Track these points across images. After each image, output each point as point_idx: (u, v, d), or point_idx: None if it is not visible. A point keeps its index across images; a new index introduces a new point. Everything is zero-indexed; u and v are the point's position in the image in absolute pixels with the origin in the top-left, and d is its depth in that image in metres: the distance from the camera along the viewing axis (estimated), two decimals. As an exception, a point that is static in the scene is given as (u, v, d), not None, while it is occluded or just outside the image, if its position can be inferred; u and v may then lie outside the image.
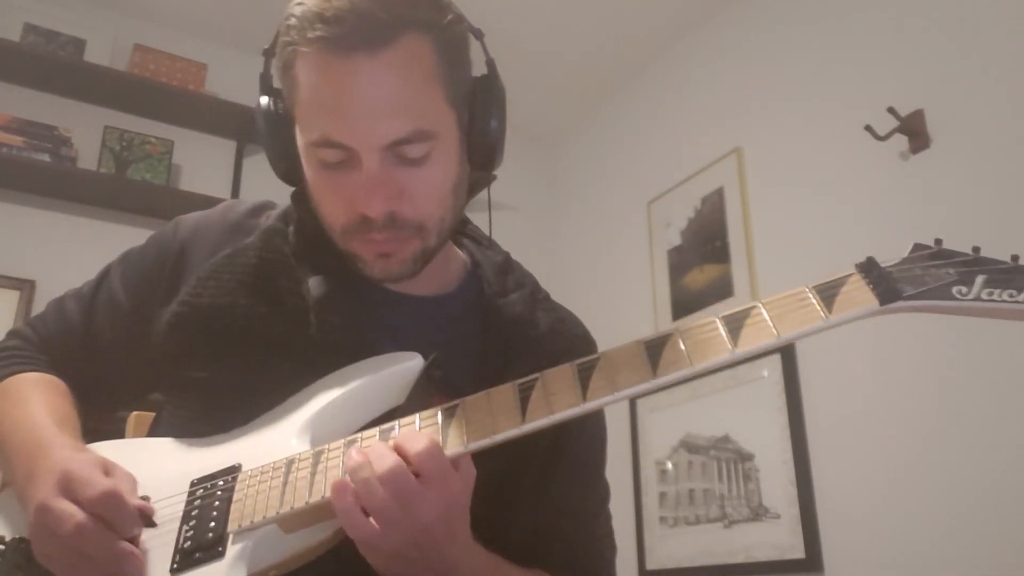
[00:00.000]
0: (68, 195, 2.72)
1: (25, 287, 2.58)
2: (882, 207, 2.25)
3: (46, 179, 2.66)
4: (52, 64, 2.72)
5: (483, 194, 3.68)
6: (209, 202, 1.05)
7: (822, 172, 2.47)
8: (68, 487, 0.73)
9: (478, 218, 1.10)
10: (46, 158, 2.64)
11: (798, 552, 2.27)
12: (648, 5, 2.96)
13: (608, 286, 3.22)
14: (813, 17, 2.63)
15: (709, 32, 3.02)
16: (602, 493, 1.00)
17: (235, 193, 2.95)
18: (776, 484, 2.38)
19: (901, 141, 2.25)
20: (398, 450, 0.69)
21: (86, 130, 2.77)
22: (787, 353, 2.42)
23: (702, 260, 2.83)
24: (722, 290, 2.71)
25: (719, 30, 2.98)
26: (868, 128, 2.27)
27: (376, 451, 0.69)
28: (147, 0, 2.96)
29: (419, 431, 0.72)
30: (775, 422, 2.42)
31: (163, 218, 1.05)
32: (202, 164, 2.97)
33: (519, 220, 3.51)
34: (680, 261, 2.92)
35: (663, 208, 3.05)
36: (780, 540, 2.33)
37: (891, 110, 2.22)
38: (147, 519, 0.76)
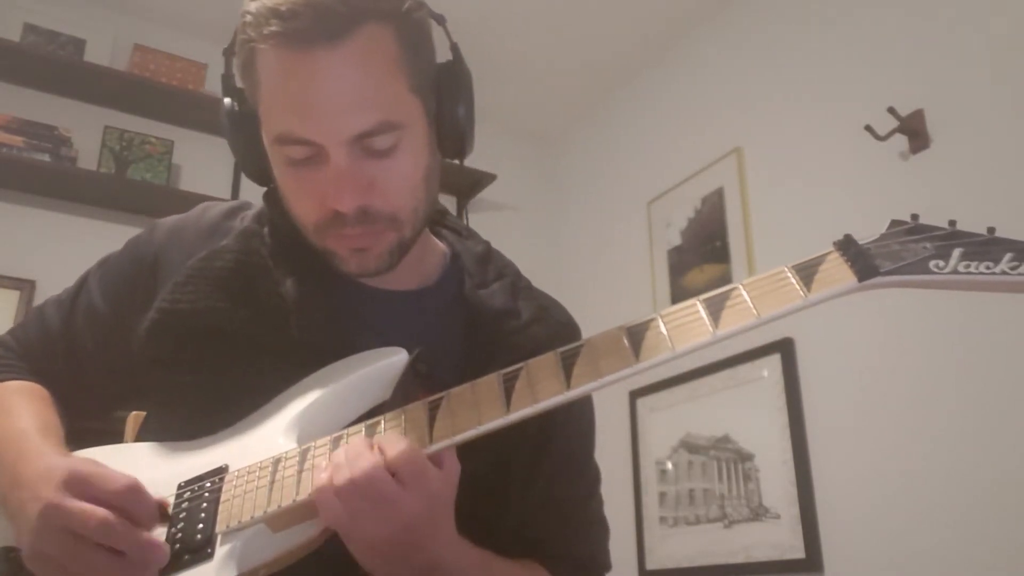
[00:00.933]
0: (68, 195, 2.73)
1: (25, 287, 2.58)
2: (882, 207, 2.24)
3: (46, 179, 2.66)
4: (52, 64, 2.72)
5: (484, 194, 3.65)
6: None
7: (822, 172, 2.46)
8: (80, 485, 0.71)
9: (476, 218, 1.09)
10: (46, 158, 2.64)
11: (798, 552, 2.26)
12: (648, 5, 2.96)
13: (608, 286, 3.21)
14: (813, 17, 2.62)
15: (709, 32, 3.02)
16: (592, 477, 1.00)
17: (235, 193, 2.95)
18: (776, 484, 2.37)
19: (901, 141, 2.24)
20: (379, 451, 0.69)
21: (86, 130, 2.78)
22: (787, 353, 2.41)
23: (702, 260, 2.82)
24: (722, 290, 2.70)
25: (719, 30, 2.98)
26: (868, 128, 2.26)
27: (354, 450, 0.69)
28: (147, 0, 2.96)
29: (401, 434, 0.71)
30: (775, 422, 2.41)
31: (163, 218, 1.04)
32: (202, 164, 2.96)
33: (519, 220, 3.52)
34: (680, 261, 2.91)
35: (663, 208, 3.04)
36: (780, 540, 2.32)
37: (891, 110, 2.22)
38: (164, 514, 0.76)
